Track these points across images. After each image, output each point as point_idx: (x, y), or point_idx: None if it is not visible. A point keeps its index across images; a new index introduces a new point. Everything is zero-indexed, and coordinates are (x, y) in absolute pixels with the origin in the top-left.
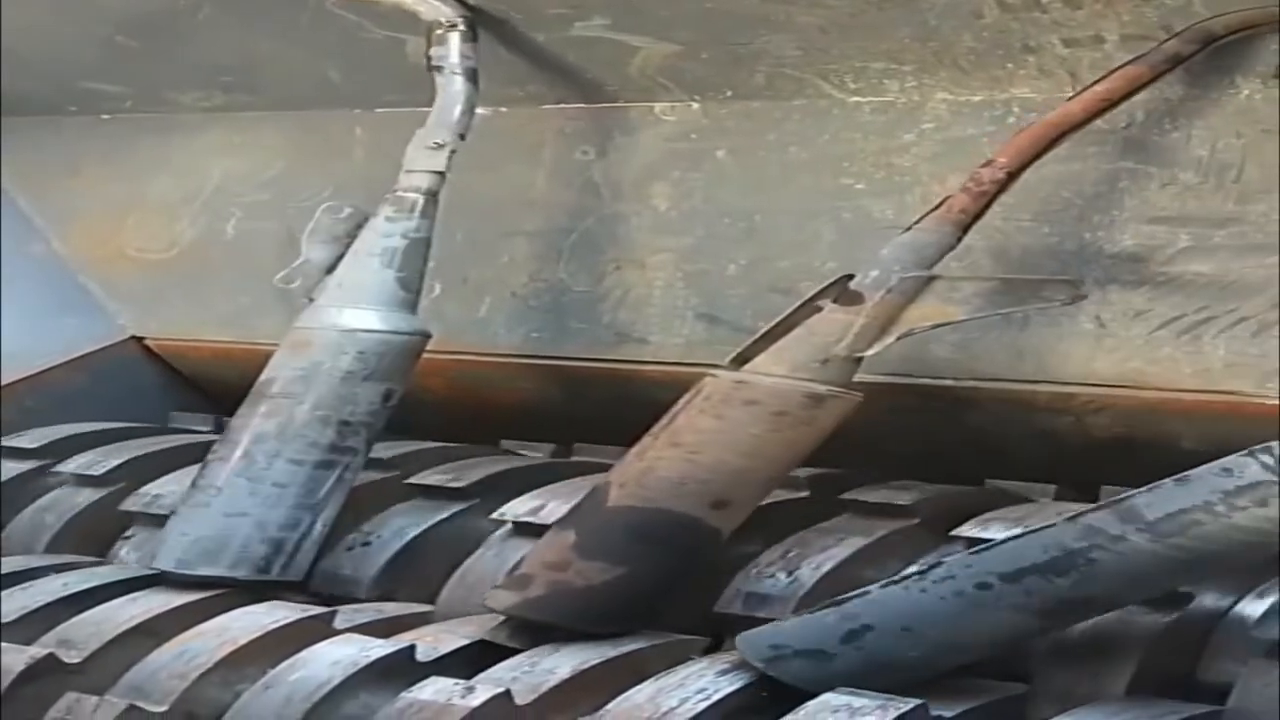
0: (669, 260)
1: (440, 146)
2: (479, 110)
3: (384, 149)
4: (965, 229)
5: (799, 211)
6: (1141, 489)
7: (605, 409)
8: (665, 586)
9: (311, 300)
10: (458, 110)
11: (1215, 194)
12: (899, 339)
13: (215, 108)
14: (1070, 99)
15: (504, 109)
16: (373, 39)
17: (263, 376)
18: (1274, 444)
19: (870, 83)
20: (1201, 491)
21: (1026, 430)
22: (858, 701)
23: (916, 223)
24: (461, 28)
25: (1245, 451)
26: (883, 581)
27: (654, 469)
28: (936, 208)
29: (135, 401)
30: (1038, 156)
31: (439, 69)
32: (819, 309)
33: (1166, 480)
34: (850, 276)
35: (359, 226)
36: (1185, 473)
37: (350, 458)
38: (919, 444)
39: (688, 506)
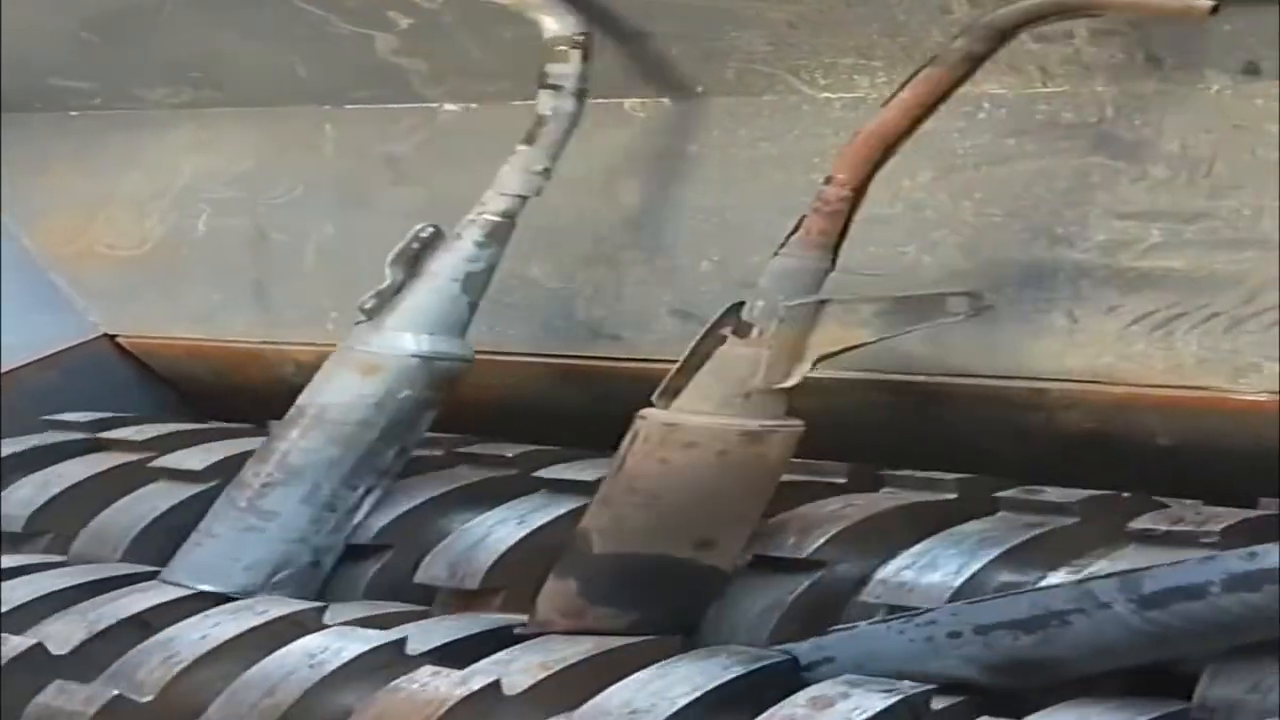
0: (641, 257)
1: (543, 172)
2: (449, 107)
3: (354, 145)
4: (835, 249)
5: (770, 207)
6: (1166, 565)
7: (580, 406)
8: (685, 622)
9: (368, 318)
10: (565, 132)
11: (1186, 189)
12: (815, 366)
13: (183, 104)
14: (883, 106)
15: (474, 105)
16: (340, 34)
17: (317, 398)
18: None
19: (840, 78)
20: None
21: (999, 426)
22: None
23: (781, 248)
24: (585, 45)
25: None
26: (881, 618)
27: (624, 517)
28: (794, 231)
29: (109, 399)
30: (876, 168)
31: (556, 87)
32: (723, 339)
33: (1192, 558)
34: (741, 305)
35: (433, 247)
36: (1213, 555)
37: (392, 478)
38: (892, 440)
39: (672, 549)
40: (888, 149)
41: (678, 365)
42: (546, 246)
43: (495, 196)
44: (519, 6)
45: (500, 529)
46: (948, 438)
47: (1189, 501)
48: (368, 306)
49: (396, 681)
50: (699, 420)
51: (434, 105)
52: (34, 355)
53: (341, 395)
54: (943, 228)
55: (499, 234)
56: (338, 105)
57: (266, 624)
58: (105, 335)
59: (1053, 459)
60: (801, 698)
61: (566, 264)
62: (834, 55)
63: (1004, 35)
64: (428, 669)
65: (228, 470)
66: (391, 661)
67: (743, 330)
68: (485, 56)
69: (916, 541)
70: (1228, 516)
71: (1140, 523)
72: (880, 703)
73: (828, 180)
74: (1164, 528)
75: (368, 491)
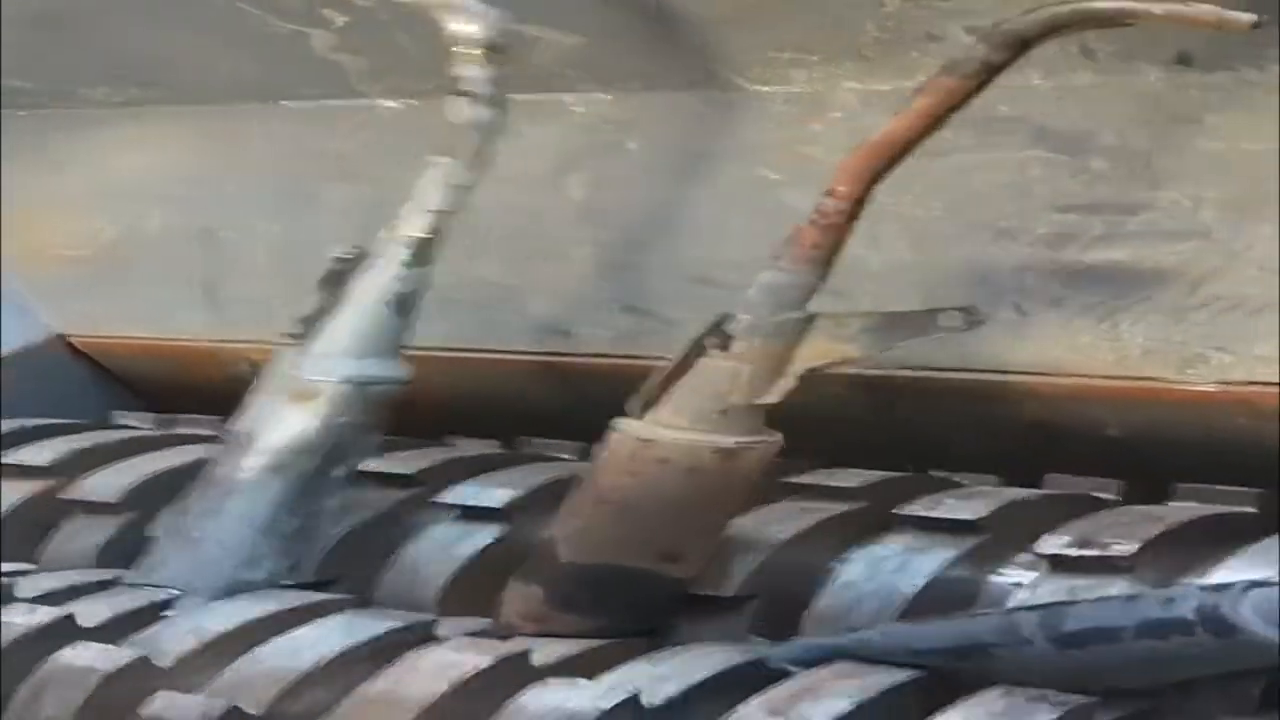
0: (589, 253)
1: (466, 186)
2: (389, 103)
3: (297, 143)
4: (826, 264)
5: (715, 202)
6: (1088, 603)
7: (534, 403)
8: (649, 628)
9: (297, 342)
10: (485, 142)
11: (1126, 182)
12: (801, 380)
13: (127, 103)
14: (894, 117)
15: (414, 102)
16: (279, 33)
17: (255, 425)
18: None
19: (777, 73)
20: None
21: (954, 419)
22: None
23: (774, 259)
24: (498, 47)
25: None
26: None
27: (591, 527)
28: (789, 242)
29: (64, 400)
30: (875, 179)
31: (467, 94)
32: (704, 351)
33: (1116, 599)
34: (727, 317)
35: (358, 268)
36: (1136, 595)
37: (342, 495)
38: (850, 434)
39: (637, 561)
40: (892, 160)
41: (656, 376)
42: (494, 242)
43: (416, 213)
44: (421, 6)
45: None
46: (905, 431)
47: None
48: (295, 331)
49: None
50: (673, 435)
51: (374, 101)
52: None
53: (278, 424)
54: (885, 222)
55: (425, 252)
56: (279, 103)
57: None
58: (58, 336)
59: (1009, 451)
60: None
61: (515, 260)
62: (770, 50)
63: (1025, 44)
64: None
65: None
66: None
67: (725, 343)
68: (422, 52)
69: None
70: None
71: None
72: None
73: (829, 193)
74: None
75: (314, 517)
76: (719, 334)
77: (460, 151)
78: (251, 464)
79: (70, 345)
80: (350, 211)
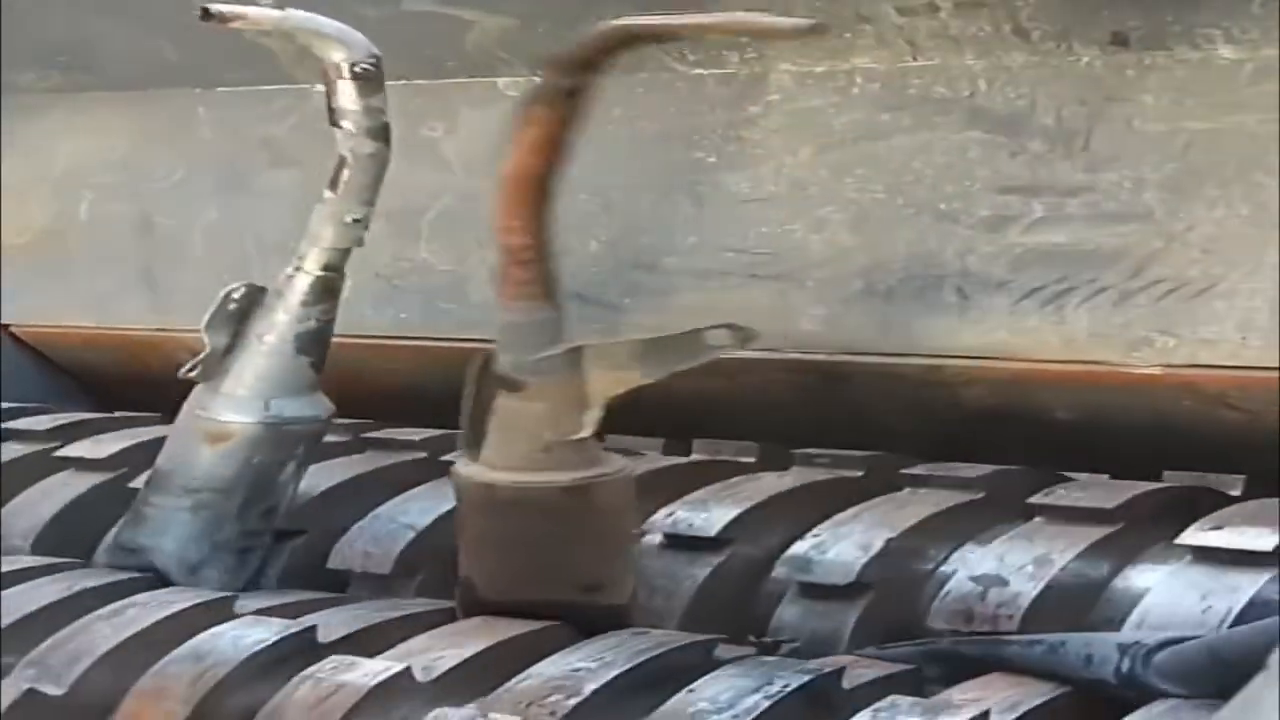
0: None
1: (359, 222)
2: (320, 88)
3: (230, 128)
4: (549, 296)
5: (655, 186)
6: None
7: None
8: None
9: (201, 380)
10: (372, 174)
11: (1065, 162)
12: (606, 408)
13: (54, 88)
14: (513, 152)
15: None
16: None
17: (175, 465)
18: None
19: (711, 54)
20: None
21: (900, 403)
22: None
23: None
24: (371, 71)
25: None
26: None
27: (496, 571)
28: (500, 284)
29: (8, 389)
30: (540, 207)
31: (343, 126)
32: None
33: (1044, 644)
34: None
35: (255, 304)
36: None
37: (268, 537)
38: (797, 419)
39: (560, 595)
40: (542, 189)
41: (465, 415)
42: (435, 228)
43: (312, 251)
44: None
45: (412, 513)
46: (851, 416)
47: (1093, 476)
48: (194, 372)
49: (307, 671)
50: (511, 478)
51: (305, 86)
52: None
53: (197, 465)
54: (828, 205)
55: (325, 290)
56: (210, 88)
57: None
58: (1, 325)
59: (955, 435)
60: None
61: (457, 245)
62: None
63: (590, 64)
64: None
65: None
66: (302, 650)
67: (509, 385)
68: None
69: (825, 519)
70: (1130, 490)
71: (1044, 498)
72: None
73: (504, 233)
74: (1067, 503)
75: (247, 554)
76: (494, 377)
77: (348, 186)
78: (176, 504)
79: (13, 335)
80: (286, 196)
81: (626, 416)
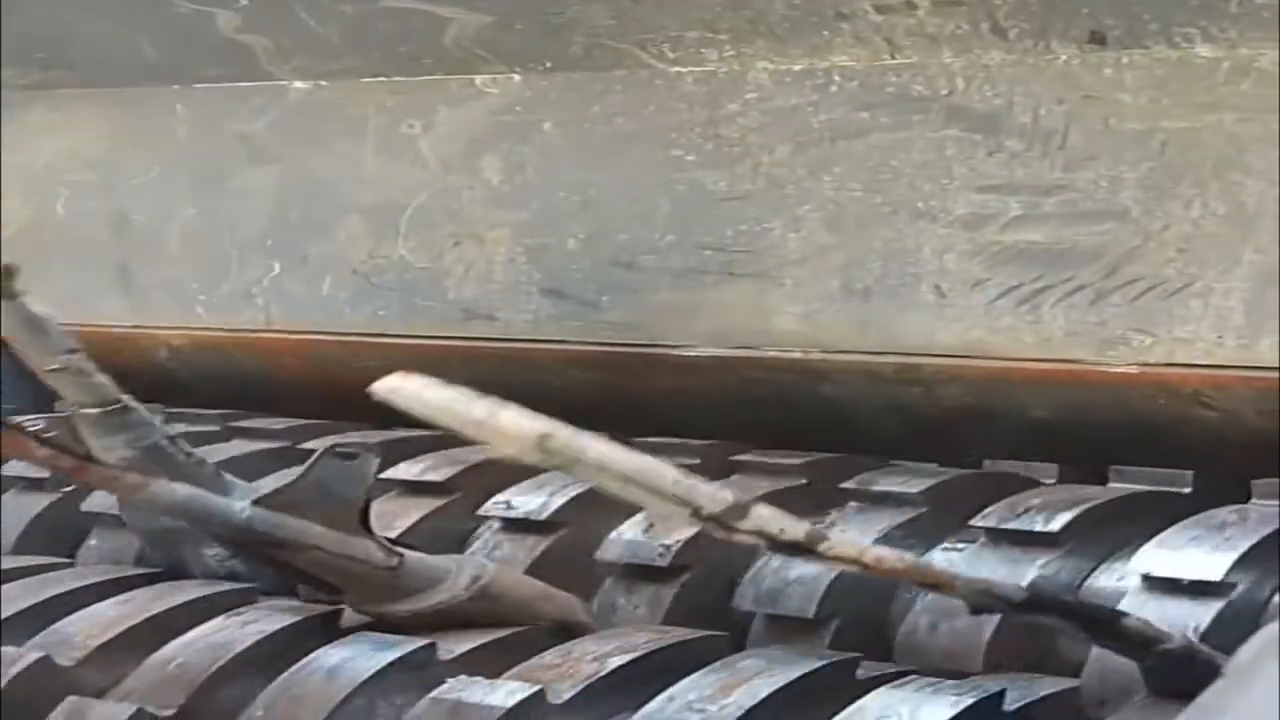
0: (508, 235)
1: None
2: (298, 85)
3: (206, 125)
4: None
5: (633, 184)
6: None
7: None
8: None
9: None
10: None
11: (1041, 161)
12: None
13: (33, 85)
14: None
15: (323, 82)
16: (181, 13)
17: None
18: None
19: (689, 52)
20: None
21: (878, 402)
22: None
23: None
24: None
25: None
26: None
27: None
28: None
29: None
30: None
31: None
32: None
33: None
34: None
35: None
36: None
37: None
38: (773, 418)
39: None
40: None
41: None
42: (413, 225)
43: None
44: None
45: None
46: (828, 414)
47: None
48: None
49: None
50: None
51: (283, 83)
52: None
53: None
54: (805, 203)
55: None
56: (187, 85)
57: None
58: None
59: (933, 434)
60: None
61: (434, 243)
62: (679, 28)
63: None
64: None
65: None
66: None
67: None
68: (329, 32)
69: None
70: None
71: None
72: None
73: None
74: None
75: None
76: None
77: None
78: None
79: None
80: (261, 194)
81: (605, 417)
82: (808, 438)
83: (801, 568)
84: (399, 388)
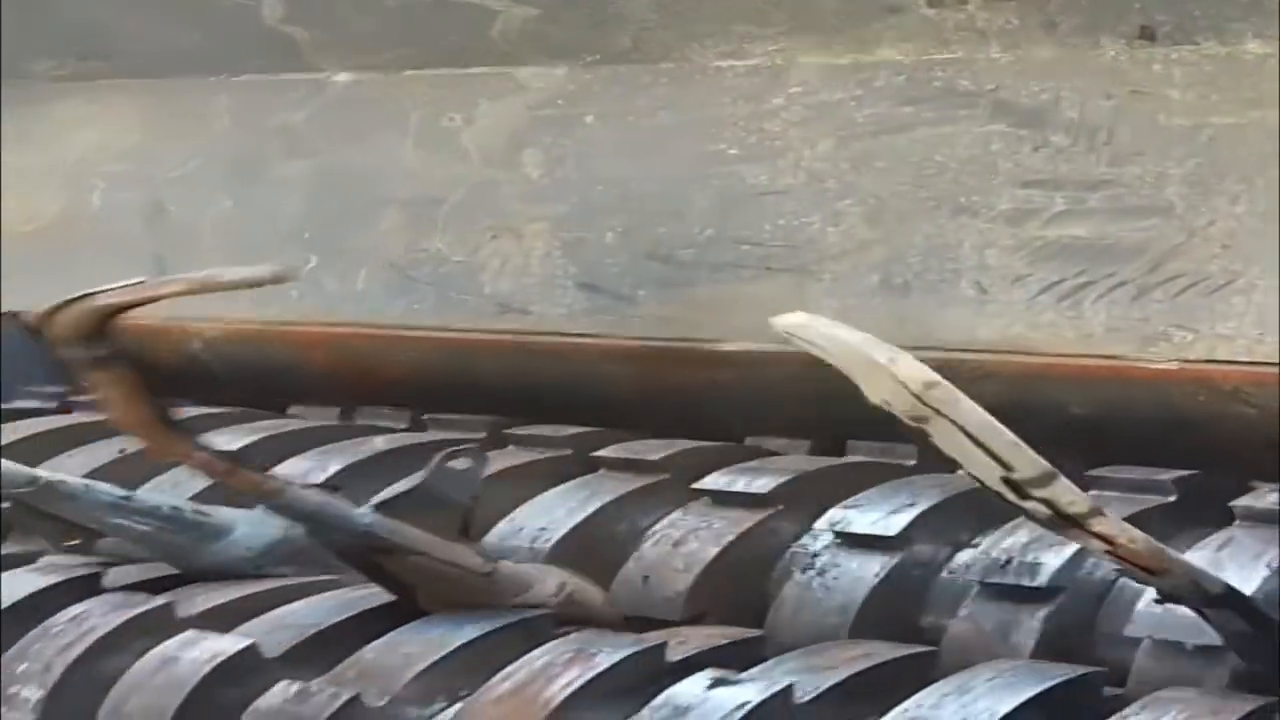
0: (545, 229)
1: None
2: (340, 77)
3: (246, 117)
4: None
5: (672, 178)
6: None
7: (491, 381)
8: None
9: None
10: None
11: (1087, 156)
12: None
13: (70, 77)
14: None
15: (366, 75)
16: (224, 4)
17: None
18: None
19: (735, 46)
20: None
21: None
22: None
23: None
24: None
25: None
26: None
27: None
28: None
29: (15, 377)
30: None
31: None
32: None
33: None
34: None
35: None
36: None
37: None
38: (805, 413)
39: None
40: (170, 419)
41: None
42: (450, 218)
43: None
44: None
45: None
46: (859, 410)
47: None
48: None
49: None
50: None
51: (325, 75)
52: None
53: None
54: (846, 198)
55: None
56: (228, 76)
57: None
58: (9, 313)
59: None
60: None
61: (471, 236)
62: (726, 22)
63: (92, 339)
64: None
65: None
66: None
67: None
68: (374, 24)
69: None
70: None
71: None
72: None
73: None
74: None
75: None
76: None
77: None
78: None
79: (23, 323)
80: (298, 187)
81: (637, 412)
82: (839, 434)
83: None
84: (804, 325)
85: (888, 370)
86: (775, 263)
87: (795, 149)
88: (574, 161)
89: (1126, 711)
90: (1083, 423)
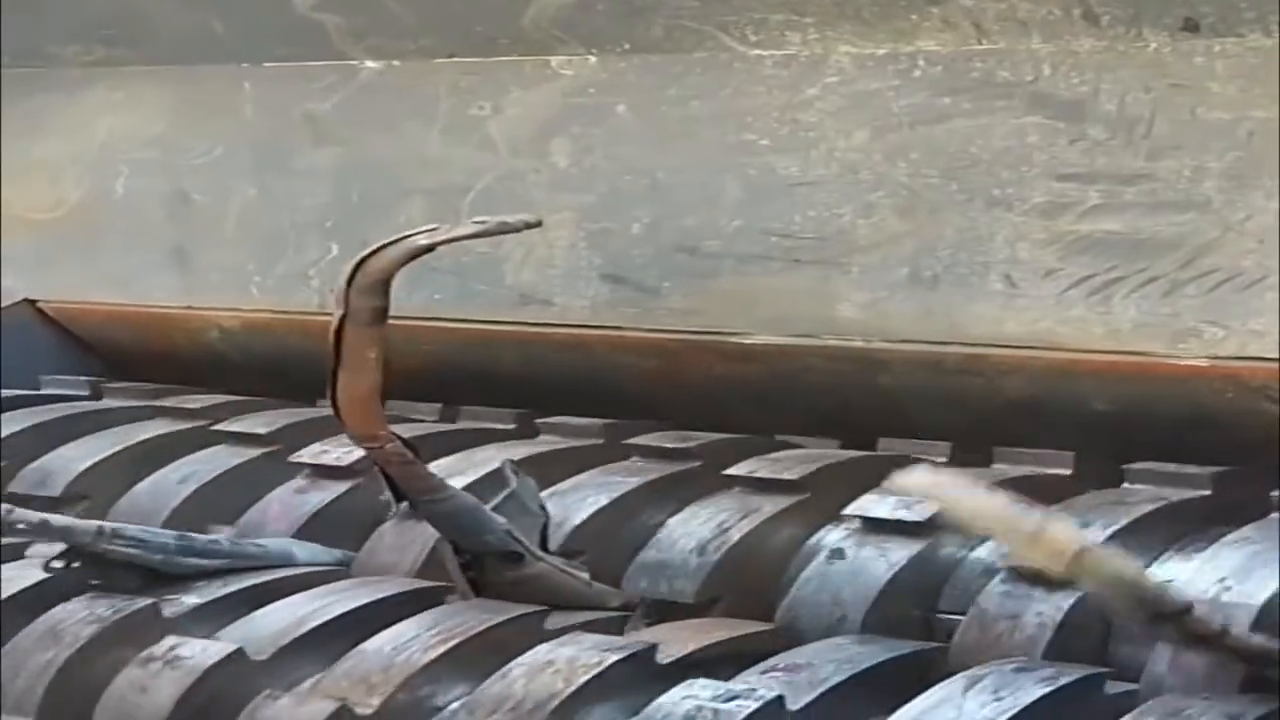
0: (570, 219)
1: None
2: (370, 64)
3: (273, 104)
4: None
5: (702, 168)
6: None
7: (511, 373)
8: None
9: None
10: None
11: (1125, 150)
12: None
13: (96, 63)
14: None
15: (395, 63)
16: None
17: None
18: None
19: (771, 35)
20: None
21: (936, 392)
22: None
23: None
24: None
25: None
26: None
27: None
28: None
29: (33, 365)
30: (383, 419)
31: None
32: None
33: None
34: None
35: None
36: None
37: None
38: (832, 406)
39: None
40: (380, 399)
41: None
42: (475, 208)
43: None
44: None
45: None
46: (887, 404)
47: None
48: None
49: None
50: None
51: (354, 62)
52: None
53: None
54: (878, 190)
55: None
56: (256, 63)
57: None
58: (26, 301)
59: (990, 424)
60: None
61: None
62: (764, 11)
63: (387, 286)
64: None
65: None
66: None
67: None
68: (405, 12)
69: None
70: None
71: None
72: None
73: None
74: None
75: None
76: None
77: None
78: None
79: (39, 311)
80: (325, 176)
81: (658, 405)
82: (861, 428)
83: None
84: (933, 486)
85: (1038, 538)
86: (803, 254)
87: (829, 140)
88: (603, 151)
89: (1137, 711)
90: (1106, 419)
